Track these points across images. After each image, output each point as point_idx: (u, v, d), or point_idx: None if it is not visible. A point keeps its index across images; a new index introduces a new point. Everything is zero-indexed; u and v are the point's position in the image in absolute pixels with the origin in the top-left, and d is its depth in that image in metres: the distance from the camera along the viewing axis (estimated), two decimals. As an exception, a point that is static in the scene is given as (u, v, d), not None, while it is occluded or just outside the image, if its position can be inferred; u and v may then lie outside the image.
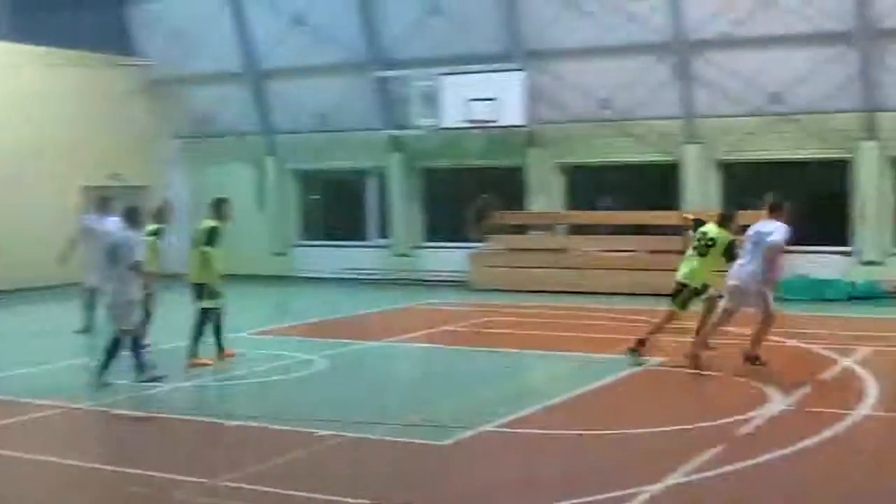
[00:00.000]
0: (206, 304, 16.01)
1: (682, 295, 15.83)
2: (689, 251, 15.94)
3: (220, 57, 31.35)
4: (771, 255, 14.75)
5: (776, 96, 26.15)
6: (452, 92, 28.13)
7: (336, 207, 33.59)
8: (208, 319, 16.06)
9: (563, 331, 19.95)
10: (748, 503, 9.12)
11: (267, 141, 32.12)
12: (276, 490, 9.33)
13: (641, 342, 15.72)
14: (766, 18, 25.86)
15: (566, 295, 25.43)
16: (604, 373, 14.89)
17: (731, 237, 15.69)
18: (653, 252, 26.92)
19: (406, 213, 30.82)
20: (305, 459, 10.51)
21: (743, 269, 15.03)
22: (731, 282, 15.19)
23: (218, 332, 16.22)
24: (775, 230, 14.89)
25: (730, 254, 15.51)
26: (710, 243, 15.63)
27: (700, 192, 27.21)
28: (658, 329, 16.03)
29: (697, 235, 15.88)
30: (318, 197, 33.66)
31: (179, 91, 32.77)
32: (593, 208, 29.45)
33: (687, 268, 15.83)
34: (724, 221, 15.91)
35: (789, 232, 14.96)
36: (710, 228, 15.83)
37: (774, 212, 15.36)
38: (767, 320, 14.97)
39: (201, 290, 16.07)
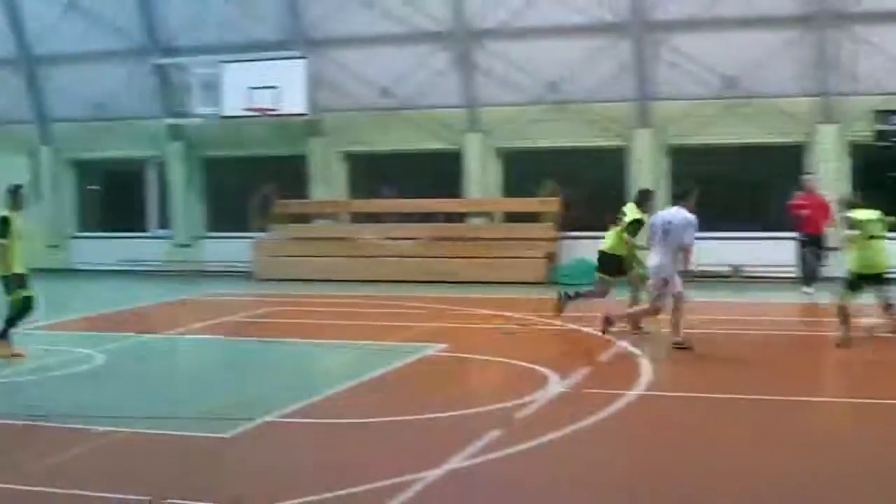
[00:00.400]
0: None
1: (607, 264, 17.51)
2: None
3: (-9, 41, 30.21)
4: (686, 254, 15.43)
5: (554, 85, 26.67)
6: (233, 80, 27.77)
7: (115, 198, 32.74)
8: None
9: (347, 319, 19.90)
10: (525, 485, 9.20)
11: (41, 130, 31.08)
12: (52, 489, 8.99)
13: (609, 321, 16.30)
14: (544, 8, 26.34)
15: (351, 283, 25.42)
16: (387, 360, 14.86)
17: (639, 217, 17.00)
18: (436, 239, 27.14)
19: (187, 203, 30.30)
20: (82, 457, 10.16)
21: (651, 260, 15.61)
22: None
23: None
24: (687, 225, 15.43)
25: (633, 230, 16.95)
26: (621, 217, 17.32)
27: (481, 179, 27.59)
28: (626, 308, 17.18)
29: (619, 214, 17.47)
30: (96, 187, 32.75)
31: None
32: (377, 196, 29.48)
33: (609, 240, 17.57)
34: (640, 201, 17.45)
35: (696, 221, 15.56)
36: (628, 207, 17.39)
37: (682, 200, 15.84)
38: (678, 303, 15.56)
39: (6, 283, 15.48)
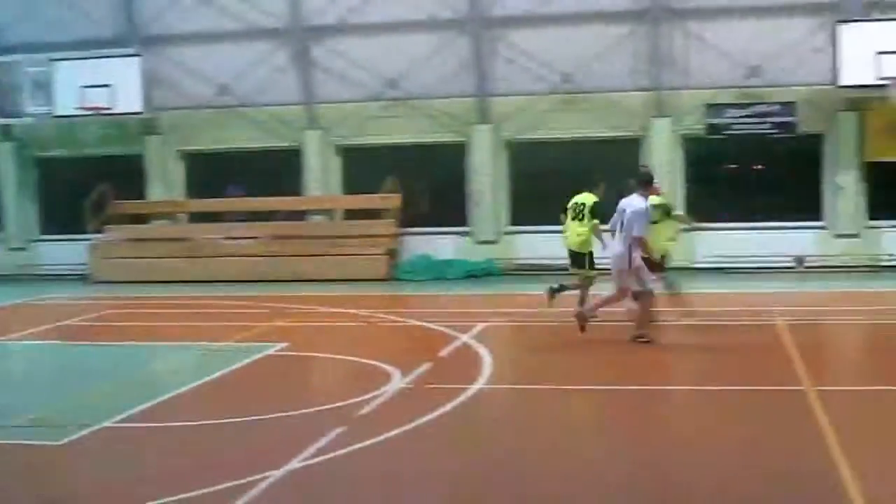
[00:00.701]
0: None
1: (581, 261, 17.02)
2: (569, 221, 17.13)
3: None
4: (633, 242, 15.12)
5: (393, 82, 26.70)
6: (65, 78, 27.05)
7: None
8: None
9: (187, 320, 19.61)
10: (366, 482, 9.20)
11: None
12: None
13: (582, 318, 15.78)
14: (382, 5, 26.36)
15: (191, 284, 25.06)
16: (228, 361, 14.68)
17: (597, 199, 16.93)
18: (277, 237, 26.96)
19: (20, 205, 29.47)
20: None
21: (614, 250, 15.58)
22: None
23: None
24: (636, 214, 15.03)
25: (595, 212, 16.78)
26: (581, 209, 16.96)
27: (321, 177, 27.48)
28: (589, 299, 16.74)
29: (571, 205, 17.16)
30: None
31: None
32: (223, 196, 29.06)
33: (574, 236, 17.03)
34: (591, 187, 17.19)
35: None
36: (581, 195, 17.13)
37: (642, 187, 15.51)
38: (643, 297, 15.45)
39: None
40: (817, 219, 25.82)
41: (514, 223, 26.97)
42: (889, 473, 8.98)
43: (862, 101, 25.02)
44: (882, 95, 24.12)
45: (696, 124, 25.87)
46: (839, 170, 25.53)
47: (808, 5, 25.23)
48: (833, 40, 24.31)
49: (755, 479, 8.88)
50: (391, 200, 26.96)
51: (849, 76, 24.05)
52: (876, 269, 24.76)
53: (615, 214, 15.49)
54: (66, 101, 26.98)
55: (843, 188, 25.33)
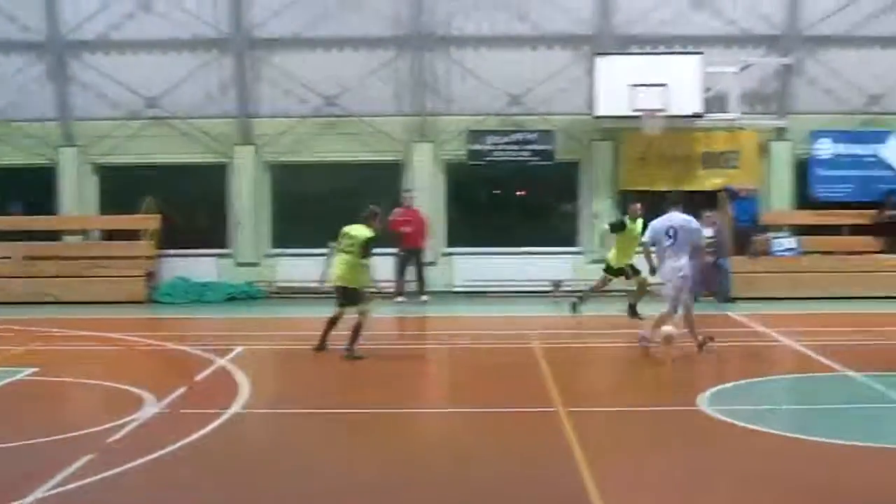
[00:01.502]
0: None
1: (346, 296, 16.33)
2: (340, 254, 16.38)
3: None
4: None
5: (154, 100, 26.20)
6: None
7: None
8: None
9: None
10: (118, 510, 8.97)
11: None
12: None
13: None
14: (146, 22, 25.88)
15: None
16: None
17: (370, 234, 16.24)
18: (30, 258, 26.04)
19: None
20: None
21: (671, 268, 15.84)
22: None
23: None
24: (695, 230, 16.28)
25: (366, 250, 16.08)
26: (352, 242, 16.20)
27: (78, 195, 26.72)
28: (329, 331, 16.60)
29: (343, 234, 16.40)
30: None
31: None
32: (8, 214, 27.69)
33: (339, 270, 16.28)
34: (367, 220, 16.41)
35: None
36: (353, 228, 16.37)
37: (676, 205, 16.29)
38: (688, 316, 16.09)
39: None
40: (574, 244, 26.57)
41: (276, 246, 26.79)
42: (628, 484, 9.30)
43: (616, 131, 25.96)
44: (635, 126, 25.06)
45: (458, 150, 26.28)
46: (595, 197, 26.36)
47: (568, 37, 26.01)
48: (590, 72, 25.11)
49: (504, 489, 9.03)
50: (150, 221, 26.38)
51: (604, 107, 24.90)
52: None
53: (651, 232, 16.27)
54: None
55: (598, 215, 26.14)
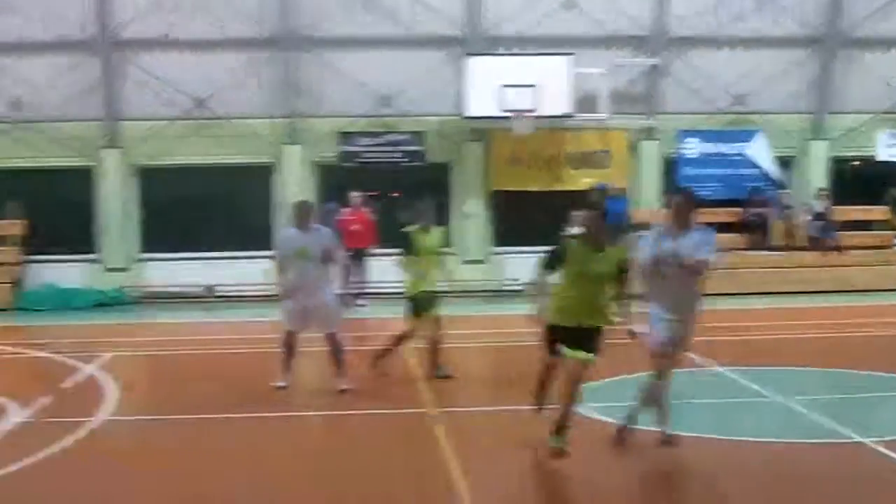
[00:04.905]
0: None
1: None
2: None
3: None
4: None
5: (15, 103, 25.63)
6: None
7: None
8: None
9: None
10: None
11: None
12: None
13: None
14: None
15: None
16: None
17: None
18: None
19: None
20: None
21: None
22: None
23: None
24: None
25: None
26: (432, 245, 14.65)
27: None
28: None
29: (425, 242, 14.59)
30: None
31: None
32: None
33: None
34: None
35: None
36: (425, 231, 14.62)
37: None
38: None
39: None
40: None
41: (145, 250, 26.37)
42: (495, 479, 9.36)
43: (487, 131, 26.10)
44: (505, 127, 25.22)
45: (329, 152, 26.15)
46: (466, 198, 26.46)
47: (438, 38, 26.07)
48: (460, 73, 25.20)
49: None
50: (14, 227, 25.74)
51: (475, 108, 25.01)
52: (500, 293, 25.63)
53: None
54: None
55: (470, 216, 26.23)
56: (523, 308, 10.49)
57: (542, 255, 10.19)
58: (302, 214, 13.65)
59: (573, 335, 9.91)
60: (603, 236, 9.99)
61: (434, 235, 14.70)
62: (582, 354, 9.85)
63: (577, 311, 9.94)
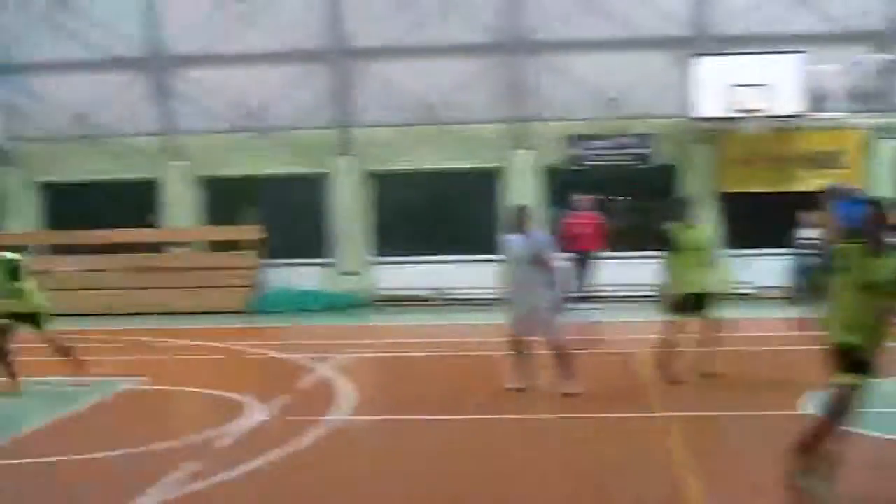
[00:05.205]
0: None
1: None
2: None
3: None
4: None
5: (254, 113, 26.51)
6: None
7: None
8: None
9: (43, 354, 19.11)
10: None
11: None
12: None
13: None
14: (243, 35, 26.18)
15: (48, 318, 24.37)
16: (83, 396, 14.37)
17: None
18: (138, 270, 26.56)
19: None
20: None
21: None
22: None
23: None
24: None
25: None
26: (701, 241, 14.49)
27: (181, 208, 27.14)
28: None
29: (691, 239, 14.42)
30: None
31: None
32: (150, 226, 28.27)
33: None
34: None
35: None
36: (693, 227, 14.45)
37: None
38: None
39: None
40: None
41: (378, 254, 26.96)
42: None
43: (715, 132, 25.68)
44: (735, 127, 24.78)
45: (555, 156, 26.21)
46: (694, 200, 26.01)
47: (665, 39, 25.83)
48: (688, 73, 24.89)
49: None
50: (251, 232, 26.71)
51: (703, 108, 24.65)
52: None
53: None
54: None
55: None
56: (767, 312, 10.20)
57: (813, 259, 9.24)
58: (520, 219, 13.72)
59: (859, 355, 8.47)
60: (883, 240, 8.72)
61: (699, 232, 14.39)
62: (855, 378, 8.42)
63: (860, 328, 8.47)
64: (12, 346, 15.11)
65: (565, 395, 13.35)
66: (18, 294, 15.05)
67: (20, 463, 10.93)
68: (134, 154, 27.13)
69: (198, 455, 10.59)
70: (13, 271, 15.04)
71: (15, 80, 27.03)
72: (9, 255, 15.21)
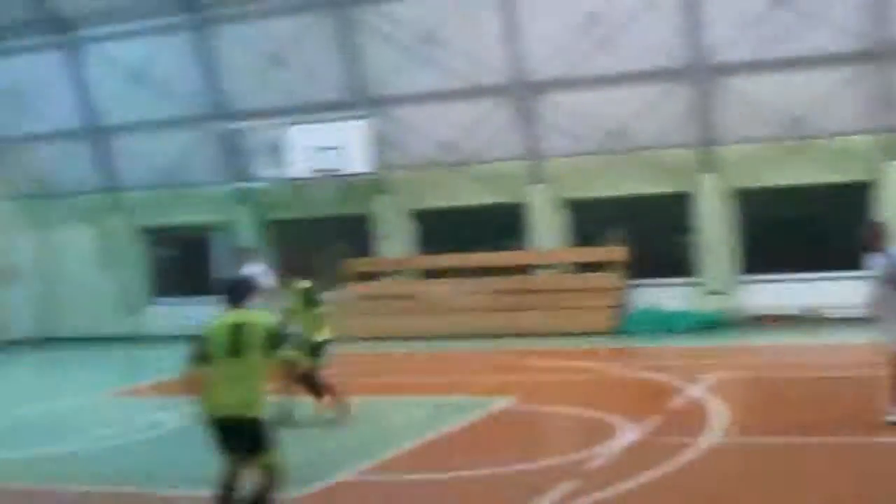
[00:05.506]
0: None
1: None
2: None
3: (60, 114, 30.82)
4: None
5: (615, 133, 26.55)
6: (297, 142, 27.86)
7: (186, 263, 32.90)
8: None
9: (415, 375, 19.88)
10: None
11: (112, 198, 31.51)
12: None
13: None
14: (602, 58, 26.25)
15: (420, 340, 25.32)
16: (456, 415, 14.81)
17: None
18: (504, 292, 27.14)
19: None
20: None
21: None
22: None
23: None
24: None
25: None
26: None
27: (547, 230, 27.52)
28: None
29: None
30: (169, 253, 32.97)
31: (18, 151, 32.03)
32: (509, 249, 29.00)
33: None
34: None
35: None
36: None
37: None
38: None
39: None
40: None
41: (745, 272, 26.38)
42: None
43: None
44: None
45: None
46: None
47: None
48: None
49: None
50: (616, 252, 26.76)
51: None
52: None
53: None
54: (299, 164, 27.78)
55: None
56: None
57: None
58: (872, 236, 13.02)
59: None
60: None
61: None
62: None
63: None
64: (324, 369, 15.38)
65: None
66: (318, 321, 15.49)
67: (400, 480, 11.35)
68: (499, 179, 27.73)
69: (571, 475, 10.69)
70: (311, 300, 15.51)
71: (385, 112, 28.18)
72: (306, 283, 15.70)
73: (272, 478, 9.00)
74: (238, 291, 9.57)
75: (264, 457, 8.99)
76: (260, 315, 9.41)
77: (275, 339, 9.21)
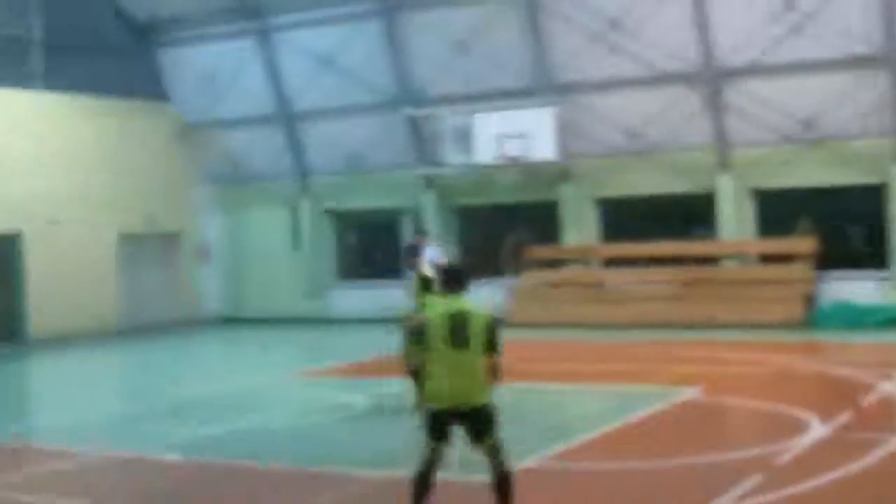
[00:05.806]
0: None
1: None
2: None
3: (252, 100, 31.66)
4: None
5: (807, 123, 25.97)
6: (484, 128, 28.04)
7: (372, 248, 33.49)
8: None
9: (597, 364, 19.84)
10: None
11: (300, 182, 32.24)
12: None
13: None
14: (795, 45, 25.70)
15: (602, 328, 25.26)
16: (642, 405, 14.76)
17: None
18: (689, 282, 26.86)
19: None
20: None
21: None
22: None
23: None
24: None
25: None
26: None
27: (734, 220, 27.07)
28: None
29: None
30: (355, 238, 33.59)
31: (211, 136, 33.05)
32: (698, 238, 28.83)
33: None
34: None
35: None
36: None
37: None
38: None
39: None
40: None
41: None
42: None
43: None
44: None
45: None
46: None
47: None
48: None
49: None
50: (806, 244, 26.18)
51: None
52: None
53: None
54: (484, 151, 27.96)
55: None
56: None
57: None
58: None
59: None
60: None
61: None
62: None
63: None
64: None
65: None
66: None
67: (587, 469, 11.37)
68: (686, 168, 27.41)
69: (760, 469, 10.58)
70: (427, 286, 14.99)
71: (571, 99, 28.11)
72: (426, 271, 15.26)
73: (502, 454, 9.06)
74: (457, 278, 9.39)
75: (490, 438, 9.05)
76: (480, 307, 9.29)
77: (493, 337, 9.12)
